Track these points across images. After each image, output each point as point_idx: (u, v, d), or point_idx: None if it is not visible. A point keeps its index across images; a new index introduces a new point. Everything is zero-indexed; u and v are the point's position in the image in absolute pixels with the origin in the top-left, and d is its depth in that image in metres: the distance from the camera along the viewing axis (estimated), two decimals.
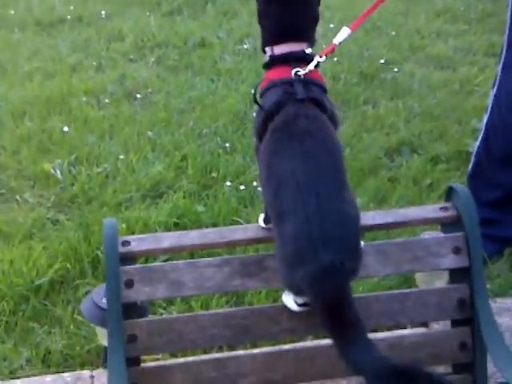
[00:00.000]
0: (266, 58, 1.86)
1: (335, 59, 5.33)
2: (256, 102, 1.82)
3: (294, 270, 1.66)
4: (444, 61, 5.52)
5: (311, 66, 1.81)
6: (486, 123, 3.04)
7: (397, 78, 5.07)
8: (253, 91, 1.83)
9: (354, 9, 6.65)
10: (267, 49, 1.86)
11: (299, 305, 1.84)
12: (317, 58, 1.84)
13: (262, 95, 1.84)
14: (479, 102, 4.65)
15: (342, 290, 1.66)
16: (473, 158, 3.15)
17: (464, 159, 3.89)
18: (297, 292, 1.79)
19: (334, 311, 1.64)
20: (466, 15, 6.73)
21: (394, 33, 6.05)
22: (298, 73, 1.79)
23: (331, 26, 6.14)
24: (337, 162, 1.76)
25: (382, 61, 5.33)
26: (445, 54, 5.65)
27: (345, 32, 1.91)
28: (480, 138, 3.09)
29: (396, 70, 5.22)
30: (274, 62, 1.84)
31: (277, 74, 1.82)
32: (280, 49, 1.83)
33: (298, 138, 1.72)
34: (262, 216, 2.01)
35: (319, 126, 1.76)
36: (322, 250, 1.62)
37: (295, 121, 1.74)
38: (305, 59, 1.82)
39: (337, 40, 1.90)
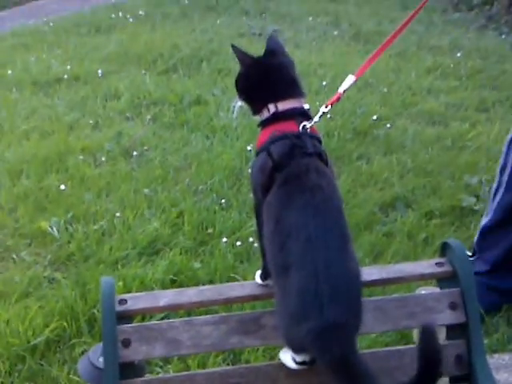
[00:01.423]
0: (266, 115, 1.89)
1: (329, 116, 5.40)
2: (269, 153, 1.82)
3: (297, 325, 1.66)
4: (436, 116, 5.60)
5: (317, 118, 1.88)
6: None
7: (390, 134, 5.13)
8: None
9: (347, 66, 6.78)
10: (270, 106, 1.88)
11: (297, 363, 1.84)
12: (322, 109, 1.90)
13: (262, 149, 1.86)
14: (471, 157, 4.71)
15: (347, 346, 1.67)
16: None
17: (458, 214, 3.93)
18: (297, 348, 1.79)
19: (343, 367, 1.65)
20: (456, 72, 6.86)
21: (385, 89, 6.15)
22: (305, 127, 1.84)
23: (324, 83, 6.26)
24: (342, 216, 1.80)
25: (375, 117, 5.41)
26: (436, 109, 5.74)
27: (350, 80, 1.97)
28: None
29: (389, 126, 5.29)
30: (279, 117, 1.87)
31: (282, 127, 1.85)
32: (283, 105, 1.87)
33: (310, 192, 1.75)
34: (258, 272, 2.02)
35: (328, 181, 1.81)
36: (328, 307, 1.64)
37: (307, 174, 1.77)
38: (306, 114, 1.89)
39: (342, 88, 1.95)
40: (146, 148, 4.83)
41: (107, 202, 4.02)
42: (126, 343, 1.89)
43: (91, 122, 5.37)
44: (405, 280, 2.20)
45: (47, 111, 5.62)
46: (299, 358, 1.83)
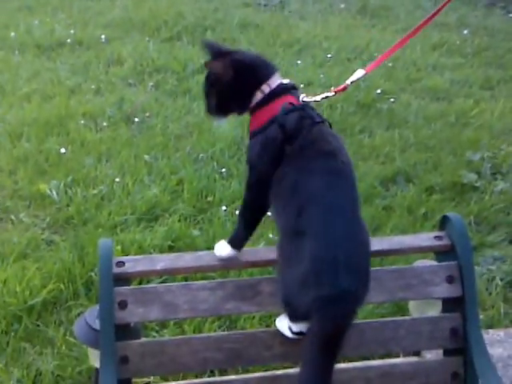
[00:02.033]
0: (260, 96, 1.84)
1: (332, 88, 5.37)
2: (281, 125, 1.79)
3: (306, 291, 1.66)
4: (440, 93, 5.58)
5: (318, 98, 1.88)
6: None
7: (393, 109, 5.11)
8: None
9: (352, 39, 6.74)
10: (263, 86, 1.84)
11: (293, 333, 1.84)
12: (327, 93, 1.91)
13: (267, 126, 1.82)
14: (474, 134, 4.69)
15: (351, 317, 1.68)
16: None
17: (458, 190, 3.92)
18: (298, 316, 1.77)
19: (336, 339, 1.66)
20: (462, 49, 6.82)
21: (390, 64, 6.10)
22: (306, 99, 1.83)
23: (328, 55, 6.23)
24: (355, 181, 1.80)
25: (379, 91, 5.38)
26: (441, 86, 5.72)
27: (359, 73, 1.95)
28: None
29: (392, 100, 5.26)
30: (275, 94, 1.84)
31: (284, 102, 1.83)
32: (274, 82, 1.85)
33: (327, 156, 1.75)
34: (223, 243, 1.98)
35: (342, 145, 1.82)
36: (342, 275, 1.64)
37: (322, 140, 1.77)
38: (295, 87, 1.89)
39: (350, 80, 1.94)
40: (147, 115, 4.81)
41: (107, 167, 4.01)
42: (123, 305, 1.88)
43: (93, 87, 5.34)
44: (403, 252, 2.20)
45: (49, 75, 5.59)
46: (296, 328, 1.82)
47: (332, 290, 1.64)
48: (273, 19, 7.57)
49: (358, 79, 1.95)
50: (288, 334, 1.87)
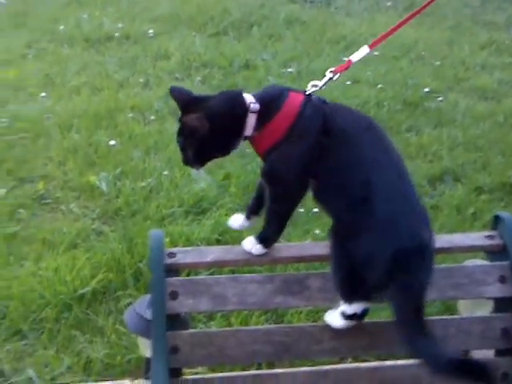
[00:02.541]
0: (254, 117, 1.78)
1: (379, 86, 5.36)
2: (311, 120, 1.78)
3: (382, 251, 1.68)
4: (488, 92, 5.51)
5: (322, 83, 1.87)
6: None
7: (441, 107, 5.07)
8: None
9: (399, 38, 6.68)
10: (251, 107, 1.78)
11: (347, 317, 1.83)
12: (328, 74, 1.89)
13: (292, 132, 1.78)
14: None
15: (431, 273, 1.72)
16: None
17: (507, 191, 3.88)
18: (360, 290, 1.77)
19: (420, 297, 1.69)
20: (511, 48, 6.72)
21: (438, 63, 6.06)
22: (312, 90, 1.84)
23: (376, 53, 6.18)
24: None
25: (427, 90, 5.34)
26: (489, 85, 5.64)
27: (363, 50, 1.94)
28: None
29: (440, 99, 5.22)
30: (275, 103, 1.80)
31: (295, 100, 1.80)
32: (250, 99, 1.81)
33: (369, 131, 1.79)
34: (253, 240, 1.98)
35: (371, 119, 1.88)
36: (421, 228, 1.71)
37: (352, 117, 1.83)
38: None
39: (354, 57, 1.93)
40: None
41: (155, 160, 4.06)
42: (174, 295, 1.90)
43: (141, 80, 5.41)
44: (453, 251, 2.19)
45: (98, 68, 5.67)
46: (351, 310, 1.81)
47: (414, 240, 1.67)
48: (319, 16, 7.55)
49: (363, 57, 1.96)
50: (340, 322, 1.85)
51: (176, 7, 7.49)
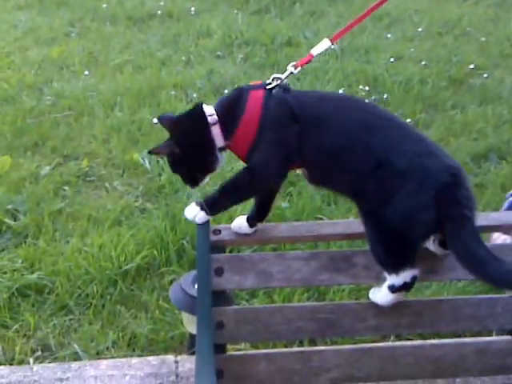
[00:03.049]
0: (218, 128, 1.78)
1: (423, 63, 5.29)
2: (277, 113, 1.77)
3: (424, 195, 1.67)
4: None
5: (284, 76, 1.83)
6: None
7: (486, 84, 4.98)
8: None
9: (444, 13, 6.58)
10: (210, 120, 1.78)
11: (397, 288, 1.81)
12: (290, 69, 1.86)
13: (263, 128, 1.77)
14: None
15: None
16: None
17: None
18: (412, 243, 1.75)
19: (474, 223, 1.69)
20: None
21: (483, 39, 5.94)
22: (273, 83, 1.81)
23: (419, 29, 6.10)
24: None
25: (471, 66, 5.25)
26: None
27: (324, 44, 1.92)
28: None
29: (485, 75, 5.12)
30: (236, 108, 1.79)
31: (256, 97, 1.79)
32: (209, 109, 1.81)
33: (339, 100, 1.87)
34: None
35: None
36: (447, 158, 1.72)
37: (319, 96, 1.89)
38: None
39: (315, 51, 1.91)
40: (236, 87, 4.82)
41: None
42: (219, 272, 1.91)
43: (183, 58, 5.41)
44: (501, 228, 2.16)
45: (140, 46, 5.69)
46: (399, 281, 1.77)
47: (448, 172, 1.67)
48: None
49: (325, 50, 1.92)
50: (387, 298, 1.84)
51: None
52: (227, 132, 1.78)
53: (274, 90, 1.79)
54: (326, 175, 1.82)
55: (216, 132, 1.78)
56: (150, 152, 1.91)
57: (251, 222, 1.94)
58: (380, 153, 1.71)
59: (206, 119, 1.78)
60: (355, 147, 1.73)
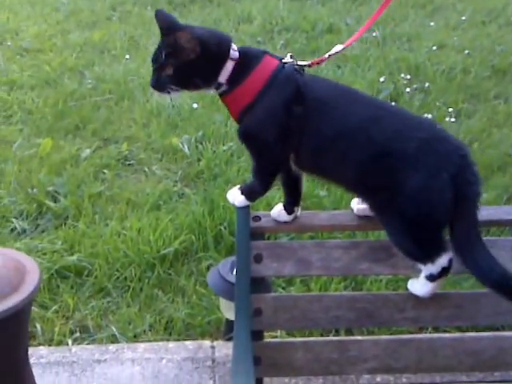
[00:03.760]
0: (231, 65, 1.73)
1: (466, 52, 5.21)
2: (287, 88, 1.73)
3: (438, 179, 1.67)
4: None
5: (299, 63, 1.79)
6: None
7: None
8: None
9: (488, 1, 6.48)
10: (231, 54, 1.73)
11: (436, 276, 1.78)
12: (304, 63, 1.82)
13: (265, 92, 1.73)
14: None
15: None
16: None
17: None
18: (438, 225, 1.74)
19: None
20: None
21: None
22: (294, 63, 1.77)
23: (463, 18, 6.02)
24: None
25: None
26: None
27: (337, 48, 1.89)
28: None
29: None
30: (252, 59, 1.75)
31: (269, 64, 1.75)
32: (235, 48, 1.75)
33: (346, 92, 1.82)
34: (237, 191, 1.93)
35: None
36: (454, 140, 1.72)
37: (331, 84, 1.83)
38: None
39: (328, 54, 1.88)
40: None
41: (236, 124, 4.05)
42: (258, 259, 1.91)
43: None
44: None
45: None
46: (437, 268, 1.75)
47: (460, 153, 1.68)
48: None
49: (336, 53, 1.87)
50: (427, 288, 1.81)
51: None
52: (232, 77, 1.75)
53: (286, 65, 1.76)
54: (322, 162, 1.80)
55: (228, 67, 1.74)
56: (169, 33, 1.72)
57: (288, 208, 1.92)
58: (385, 142, 1.69)
59: (229, 48, 1.74)
60: (358, 136, 1.72)
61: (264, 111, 1.74)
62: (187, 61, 1.72)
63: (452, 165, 1.66)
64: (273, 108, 1.74)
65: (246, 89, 1.74)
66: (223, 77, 1.74)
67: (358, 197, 1.89)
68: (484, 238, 1.69)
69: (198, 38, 1.70)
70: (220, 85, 1.75)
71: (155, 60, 1.76)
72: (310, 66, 1.83)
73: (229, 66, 1.74)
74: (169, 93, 1.76)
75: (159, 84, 1.76)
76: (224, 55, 1.73)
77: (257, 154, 1.83)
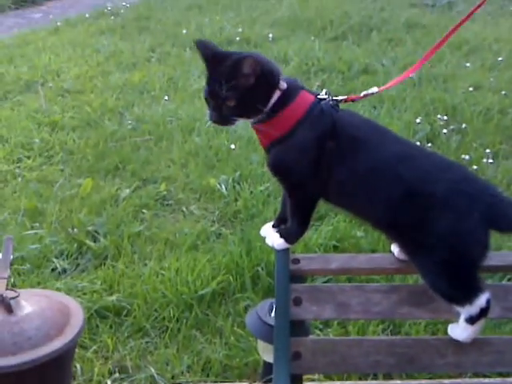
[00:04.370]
0: (277, 95, 1.74)
1: (503, 92, 5.21)
2: (321, 123, 1.74)
3: (470, 220, 1.67)
4: None
5: (335, 98, 1.82)
6: None
7: None
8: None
9: None
10: (280, 84, 1.75)
11: (476, 318, 1.76)
12: (340, 98, 1.84)
13: (299, 126, 1.75)
14: None
15: None
16: None
17: None
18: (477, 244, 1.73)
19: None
20: None
21: None
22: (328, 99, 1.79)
23: (499, 58, 6.02)
24: None
25: None
26: None
27: (373, 90, 1.92)
28: None
29: None
30: (292, 92, 1.77)
31: (306, 98, 1.78)
32: (283, 79, 1.78)
33: (378, 131, 1.82)
34: (276, 235, 1.94)
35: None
36: (479, 179, 1.76)
37: (365, 122, 1.82)
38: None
39: (363, 93, 1.91)
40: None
41: None
42: (298, 302, 1.92)
43: None
44: None
45: None
46: (476, 309, 1.73)
47: (488, 192, 1.70)
48: (440, 20, 7.42)
49: (372, 94, 1.91)
50: (467, 332, 1.79)
51: (295, 11, 7.55)
52: (275, 107, 1.76)
53: (323, 102, 1.78)
54: (351, 199, 1.81)
55: (275, 96, 1.75)
56: (237, 62, 1.71)
57: (275, 222, 1.98)
58: (414, 182, 1.70)
59: (279, 78, 1.77)
60: (387, 174, 1.73)
61: (297, 145, 1.76)
62: (248, 86, 1.72)
63: (483, 204, 1.67)
64: (306, 142, 1.76)
65: (281, 120, 1.76)
66: (269, 105, 1.75)
67: (387, 236, 1.90)
68: None
69: (260, 62, 1.73)
70: (264, 112, 1.76)
71: (211, 93, 1.74)
72: (345, 101, 1.86)
73: (276, 95, 1.75)
74: (233, 124, 1.78)
75: (223, 118, 1.76)
76: (276, 83, 1.76)
77: (289, 189, 1.85)
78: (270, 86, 1.76)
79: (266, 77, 1.74)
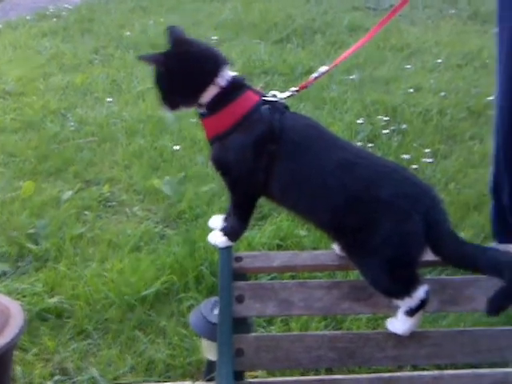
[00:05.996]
0: (214, 91, 1.79)
1: (442, 94, 5.31)
2: (264, 125, 1.77)
3: (411, 219, 1.73)
4: None
5: (284, 95, 1.87)
6: None
7: None
8: None
9: (464, 45, 6.62)
10: (217, 80, 1.79)
11: (415, 310, 1.81)
12: (293, 89, 1.91)
13: (240, 125, 1.78)
14: None
15: None
16: None
17: None
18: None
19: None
20: None
21: None
22: (275, 98, 1.85)
23: (439, 61, 6.14)
24: None
25: (490, 98, 5.24)
26: None
27: (322, 69, 1.99)
28: None
29: None
30: (236, 90, 1.81)
31: (250, 98, 1.82)
32: (226, 75, 1.81)
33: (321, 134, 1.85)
34: (219, 234, 1.98)
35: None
36: (421, 182, 1.82)
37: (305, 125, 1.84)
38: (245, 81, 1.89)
39: (314, 75, 1.97)
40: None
41: None
42: (240, 299, 1.93)
43: None
44: None
45: None
46: (415, 301, 1.79)
47: (429, 194, 1.77)
48: None
49: (323, 74, 1.98)
50: (406, 325, 1.85)
51: (239, 14, 7.57)
52: (214, 102, 1.80)
53: (265, 105, 1.81)
54: (294, 202, 1.86)
55: (212, 91, 1.79)
56: (139, 57, 1.87)
57: (226, 216, 1.99)
58: (358, 190, 1.74)
59: (217, 73, 1.79)
60: (331, 183, 1.76)
61: (233, 147, 1.80)
62: (165, 78, 1.82)
63: (424, 207, 1.73)
64: (242, 146, 1.79)
65: (220, 119, 1.79)
66: (205, 99, 1.80)
67: (329, 237, 1.92)
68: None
69: (162, 55, 1.83)
70: (201, 106, 1.81)
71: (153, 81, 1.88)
72: (297, 91, 1.90)
73: (212, 90, 1.79)
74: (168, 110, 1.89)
75: (160, 102, 1.89)
76: (204, 78, 1.80)
77: (229, 185, 1.88)
78: (197, 76, 1.80)
79: (189, 70, 1.80)
